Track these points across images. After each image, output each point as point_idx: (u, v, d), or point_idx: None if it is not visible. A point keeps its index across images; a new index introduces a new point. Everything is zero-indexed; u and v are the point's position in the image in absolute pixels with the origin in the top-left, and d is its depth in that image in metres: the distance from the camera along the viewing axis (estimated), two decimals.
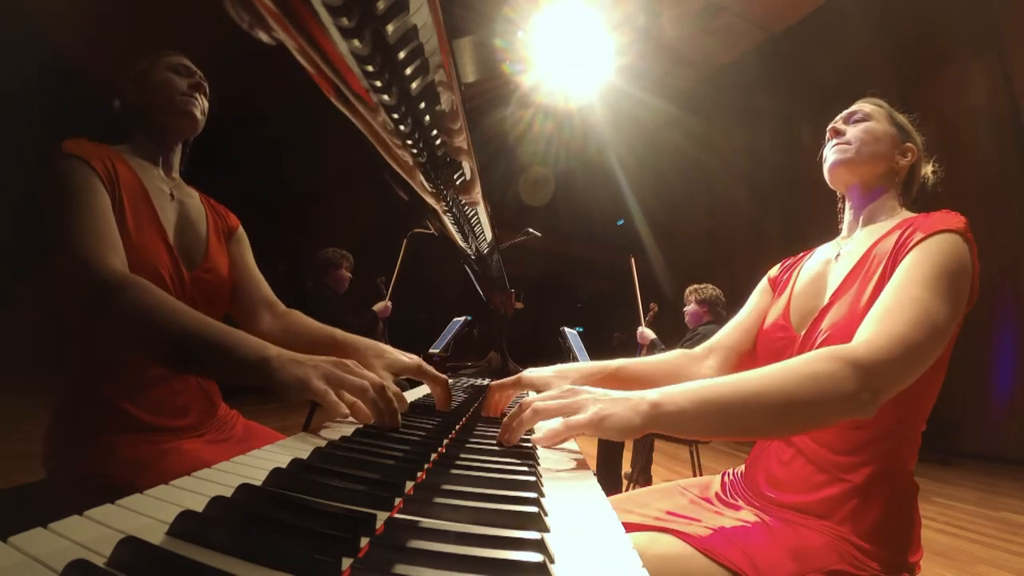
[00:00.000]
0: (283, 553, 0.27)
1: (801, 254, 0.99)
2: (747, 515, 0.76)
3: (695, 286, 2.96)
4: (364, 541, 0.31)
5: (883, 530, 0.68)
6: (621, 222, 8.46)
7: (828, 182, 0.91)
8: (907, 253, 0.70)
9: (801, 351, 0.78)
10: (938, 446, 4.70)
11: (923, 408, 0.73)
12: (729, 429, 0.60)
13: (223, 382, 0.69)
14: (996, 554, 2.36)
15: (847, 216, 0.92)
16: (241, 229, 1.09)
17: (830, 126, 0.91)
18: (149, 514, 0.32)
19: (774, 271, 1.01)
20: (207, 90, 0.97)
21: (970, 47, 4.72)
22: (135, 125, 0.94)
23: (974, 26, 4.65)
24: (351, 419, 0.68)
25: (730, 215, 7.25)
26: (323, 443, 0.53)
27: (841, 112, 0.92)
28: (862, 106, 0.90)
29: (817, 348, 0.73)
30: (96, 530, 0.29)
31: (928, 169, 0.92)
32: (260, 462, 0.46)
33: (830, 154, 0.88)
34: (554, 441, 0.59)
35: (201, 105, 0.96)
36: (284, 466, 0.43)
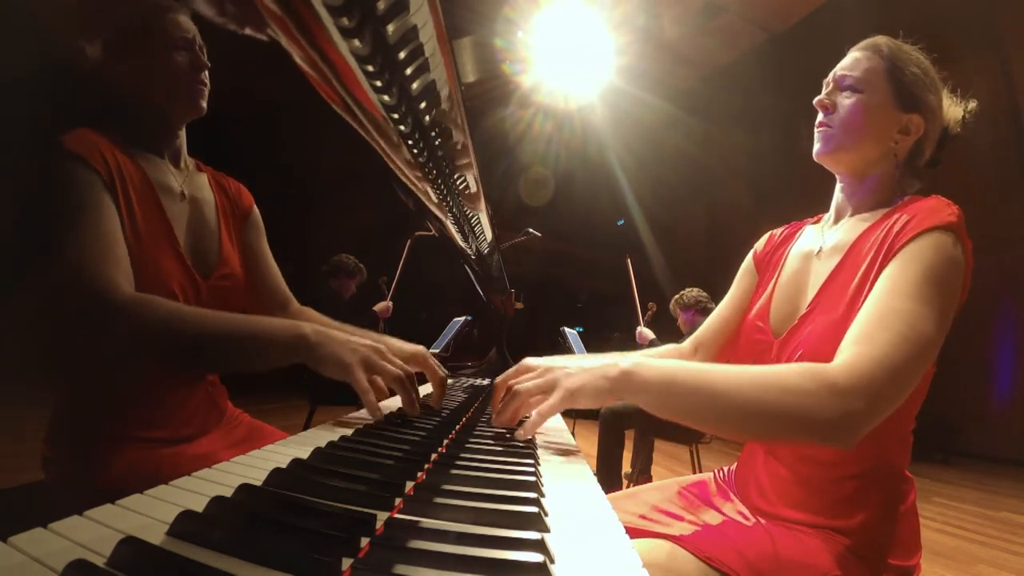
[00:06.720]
0: (283, 553, 0.27)
1: (790, 229, 0.91)
2: (746, 516, 0.75)
3: (675, 296, 2.97)
4: (364, 541, 0.30)
5: (881, 535, 0.66)
6: (621, 222, 8.45)
7: None
8: (893, 256, 0.64)
9: (778, 359, 0.74)
10: (938, 446, 4.71)
11: (911, 408, 0.69)
12: (688, 416, 0.59)
13: (262, 370, 0.66)
14: (996, 554, 2.37)
15: (837, 197, 0.83)
16: (255, 211, 1.00)
17: (817, 98, 0.79)
18: (149, 514, 0.32)
19: (760, 245, 0.94)
20: (207, 63, 0.85)
21: (970, 47, 4.72)
22: (130, 112, 0.83)
23: (974, 26, 4.65)
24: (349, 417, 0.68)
25: (730, 215, 7.25)
26: (323, 442, 0.53)
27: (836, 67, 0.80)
28: (857, 65, 0.77)
29: (795, 361, 0.70)
30: (96, 530, 0.29)
31: (959, 112, 0.79)
32: (260, 462, 0.46)
33: (815, 138, 0.78)
34: (533, 431, 0.63)
35: (207, 88, 0.85)
36: (284, 466, 0.43)
